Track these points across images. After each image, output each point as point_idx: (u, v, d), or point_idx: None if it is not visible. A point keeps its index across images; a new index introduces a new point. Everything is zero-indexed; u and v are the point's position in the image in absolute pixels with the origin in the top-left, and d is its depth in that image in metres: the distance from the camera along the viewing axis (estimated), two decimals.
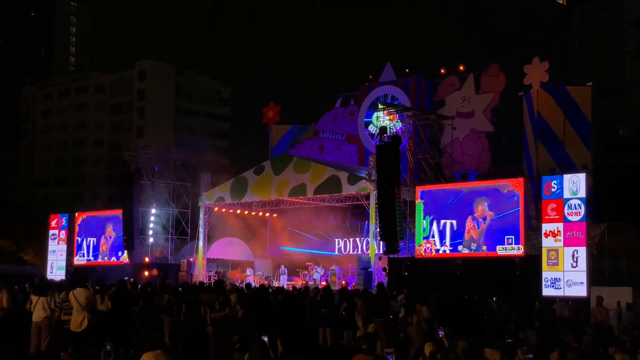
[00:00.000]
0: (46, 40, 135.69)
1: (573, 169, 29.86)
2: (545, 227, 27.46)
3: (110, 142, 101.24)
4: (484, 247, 29.81)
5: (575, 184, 27.02)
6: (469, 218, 30.38)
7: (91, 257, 44.33)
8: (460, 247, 30.61)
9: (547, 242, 27.41)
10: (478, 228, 30.09)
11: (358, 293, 21.00)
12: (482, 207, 30.09)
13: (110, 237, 43.69)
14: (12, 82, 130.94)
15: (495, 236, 29.50)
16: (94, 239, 44.53)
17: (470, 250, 30.24)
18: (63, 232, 45.70)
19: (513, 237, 28.96)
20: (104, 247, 43.92)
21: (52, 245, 46.30)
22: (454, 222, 30.92)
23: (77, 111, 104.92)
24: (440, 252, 31.34)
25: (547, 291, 27.08)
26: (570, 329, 18.09)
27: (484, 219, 29.98)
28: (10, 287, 18.71)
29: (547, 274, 27.25)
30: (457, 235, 30.75)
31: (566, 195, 27.08)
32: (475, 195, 30.58)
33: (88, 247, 44.86)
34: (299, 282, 37.66)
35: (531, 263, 28.20)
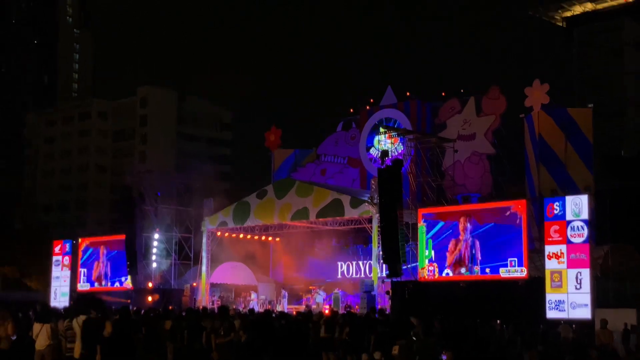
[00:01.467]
0: (49, 67, 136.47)
1: (575, 191, 29.88)
2: (548, 249, 27.43)
3: (113, 168, 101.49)
4: (487, 269, 29.78)
5: (577, 206, 27.03)
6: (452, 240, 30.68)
7: (96, 284, 44.33)
8: (463, 270, 30.57)
9: (550, 264, 27.36)
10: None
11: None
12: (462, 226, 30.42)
13: (104, 262, 43.92)
14: (15, 108, 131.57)
15: (498, 259, 29.46)
16: (94, 264, 44.68)
17: (473, 273, 30.20)
18: (67, 258, 45.67)
19: (516, 259, 28.92)
20: (96, 272, 44.09)
21: (55, 271, 46.24)
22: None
23: (80, 137, 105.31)
24: (443, 274, 31.29)
25: (551, 313, 27.00)
26: (574, 351, 18.02)
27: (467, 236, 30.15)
28: (15, 315, 18.69)
29: (550, 296, 27.18)
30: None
31: (569, 217, 27.08)
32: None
33: (90, 273, 44.87)
34: (302, 306, 37.59)
35: (535, 285, 28.13)
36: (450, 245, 30.98)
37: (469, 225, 30.67)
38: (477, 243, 30.17)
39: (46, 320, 15.42)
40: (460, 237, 30.75)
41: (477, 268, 30.16)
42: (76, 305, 28.74)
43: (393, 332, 17.60)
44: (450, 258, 31.02)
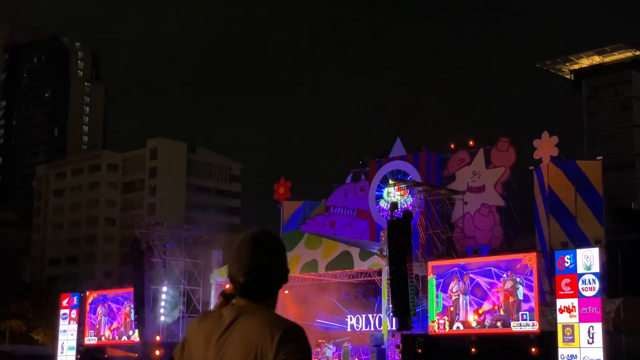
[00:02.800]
0: (60, 120, 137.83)
1: (586, 244, 29.65)
2: (560, 302, 27.15)
3: (122, 220, 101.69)
4: (499, 323, 29.47)
5: (588, 259, 26.83)
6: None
7: (103, 337, 44.02)
8: (474, 324, 30.27)
9: (562, 318, 27.06)
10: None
11: None
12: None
13: (106, 317, 43.81)
14: (25, 160, 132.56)
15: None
16: (102, 319, 44.42)
17: (485, 326, 29.89)
18: (74, 311, 45.41)
19: (527, 312, 28.63)
20: (103, 325, 43.91)
21: (62, 324, 45.93)
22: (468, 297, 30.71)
23: (90, 189, 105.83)
24: (454, 328, 30.96)
25: None
26: None
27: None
28: None
29: (563, 351, 26.82)
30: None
31: (580, 270, 26.86)
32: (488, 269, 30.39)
33: (98, 326, 44.58)
34: None
35: (547, 339, 27.78)
36: (461, 299, 30.70)
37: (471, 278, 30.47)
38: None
39: None
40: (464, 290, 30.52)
41: (488, 322, 29.85)
42: (83, 359, 28.50)
43: None
44: (461, 311, 30.76)
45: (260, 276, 3.23)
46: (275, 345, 3.04)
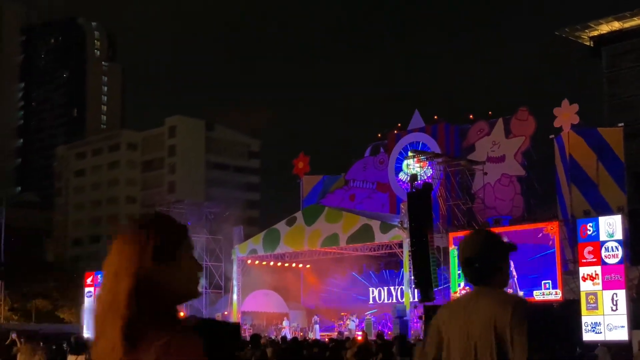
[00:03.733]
0: (78, 101, 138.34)
1: (608, 211, 29.44)
2: (583, 270, 27.02)
3: (143, 199, 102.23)
4: (521, 293, 29.40)
5: (611, 226, 26.64)
6: None
7: None
8: None
9: (585, 286, 26.94)
10: None
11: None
12: None
13: None
14: (45, 142, 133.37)
15: (532, 281, 29.10)
16: None
17: None
18: (98, 289, 45.84)
19: (550, 281, 28.56)
20: None
21: (87, 302, 46.45)
22: None
23: (110, 169, 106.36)
24: None
25: (587, 336, 26.52)
26: None
27: None
28: (48, 347, 18.74)
29: (586, 319, 26.73)
30: None
31: (602, 237, 26.68)
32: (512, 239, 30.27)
33: None
34: (334, 333, 37.34)
35: (570, 307, 27.70)
36: None
37: None
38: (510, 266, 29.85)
39: (80, 352, 15.48)
40: None
41: (510, 291, 29.80)
42: None
43: None
44: None
45: (481, 265, 3.90)
46: (510, 314, 3.67)
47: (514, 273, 29.67)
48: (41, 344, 16.71)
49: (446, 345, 3.92)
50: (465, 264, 3.98)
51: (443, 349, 3.94)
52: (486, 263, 3.92)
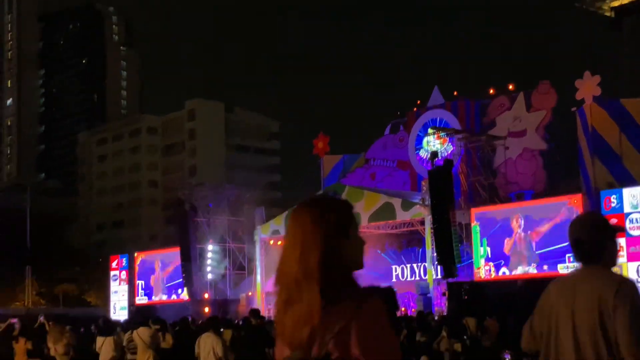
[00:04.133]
0: (98, 86, 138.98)
1: (632, 183, 29.19)
2: None
3: (165, 183, 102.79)
4: (545, 267, 29.32)
5: (635, 198, 26.46)
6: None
7: (153, 296, 44.95)
8: (520, 268, 30.20)
9: None
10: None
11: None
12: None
13: (160, 275, 44.64)
14: (67, 128, 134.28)
15: (556, 255, 28.97)
16: (150, 278, 45.40)
17: (530, 270, 29.79)
18: (124, 272, 46.33)
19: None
20: (156, 284, 44.78)
21: (113, 286, 46.95)
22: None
23: (131, 154, 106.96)
24: (500, 274, 30.90)
25: None
26: None
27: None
28: (77, 330, 18.96)
29: None
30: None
31: (627, 209, 26.51)
32: (532, 213, 30.20)
33: (147, 286, 45.48)
34: None
35: None
36: (506, 244, 30.62)
37: (522, 222, 30.30)
38: (533, 240, 29.75)
39: (109, 333, 15.63)
40: (515, 235, 30.38)
41: (534, 265, 29.73)
42: (135, 317, 29.10)
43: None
44: (506, 256, 30.71)
45: (589, 245, 4.14)
46: (613, 294, 3.83)
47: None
48: (67, 327, 16.87)
49: (554, 323, 4.13)
50: (574, 244, 4.23)
51: (552, 327, 4.15)
52: (594, 243, 4.14)
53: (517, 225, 30.24)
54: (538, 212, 30.12)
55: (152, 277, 45.13)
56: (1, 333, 17.03)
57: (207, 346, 13.66)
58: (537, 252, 29.79)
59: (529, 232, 30.05)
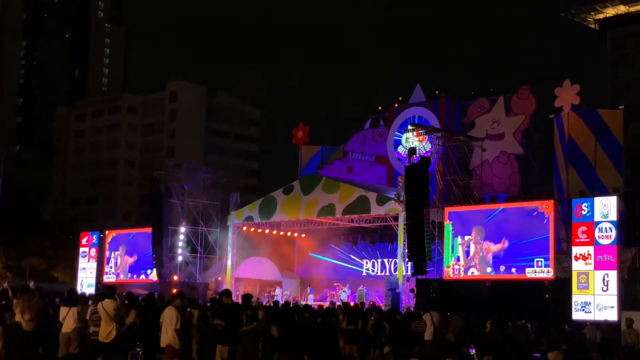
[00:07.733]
0: (81, 61, 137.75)
1: (604, 192, 29.56)
2: (576, 250, 27.20)
3: (142, 162, 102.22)
4: (514, 269, 29.63)
5: (606, 207, 26.77)
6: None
7: (121, 275, 44.78)
8: (488, 269, 30.50)
9: (577, 265, 27.14)
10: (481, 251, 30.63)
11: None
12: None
13: (125, 255, 44.67)
14: (46, 100, 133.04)
15: (524, 258, 29.29)
16: (119, 257, 45.24)
17: (499, 272, 30.08)
18: (93, 249, 46.12)
19: (543, 259, 28.75)
20: (122, 263, 44.78)
21: (82, 262, 46.73)
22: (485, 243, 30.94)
23: (110, 131, 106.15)
24: (469, 273, 31.17)
25: (577, 315, 26.77)
26: (602, 350, 17.84)
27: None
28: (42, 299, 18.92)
29: (577, 298, 26.96)
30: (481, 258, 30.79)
31: (597, 218, 26.83)
32: (507, 216, 30.47)
33: (116, 264, 45.33)
34: (326, 303, 37.60)
35: (561, 286, 27.91)
36: (476, 245, 30.91)
37: (495, 225, 30.63)
38: (504, 243, 30.06)
39: (73, 304, 15.62)
40: (484, 238, 30.70)
41: (502, 267, 30.03)
42: (101, 290, 29.02)
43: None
44: (475, 257, 30.99)
45: None
46: None
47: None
48: (35, 293, 16.94)
49: None
50: None
51: None
52: None
53: (474, 237, 31.03)
54: (510, 216, 30.40)
55: (122, 256, 44.97)
56: None
57: (166, 319, 14.15)
58: (506, 255, 30.12)
59: (501, 235, 30.39)
